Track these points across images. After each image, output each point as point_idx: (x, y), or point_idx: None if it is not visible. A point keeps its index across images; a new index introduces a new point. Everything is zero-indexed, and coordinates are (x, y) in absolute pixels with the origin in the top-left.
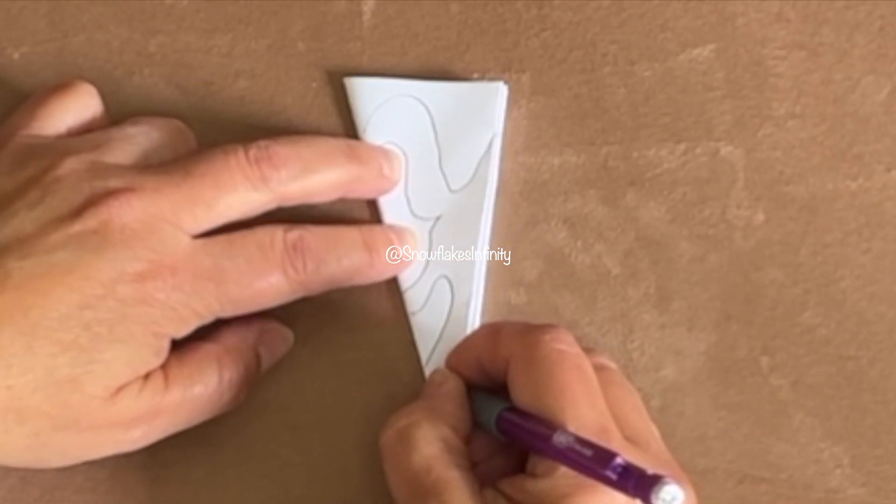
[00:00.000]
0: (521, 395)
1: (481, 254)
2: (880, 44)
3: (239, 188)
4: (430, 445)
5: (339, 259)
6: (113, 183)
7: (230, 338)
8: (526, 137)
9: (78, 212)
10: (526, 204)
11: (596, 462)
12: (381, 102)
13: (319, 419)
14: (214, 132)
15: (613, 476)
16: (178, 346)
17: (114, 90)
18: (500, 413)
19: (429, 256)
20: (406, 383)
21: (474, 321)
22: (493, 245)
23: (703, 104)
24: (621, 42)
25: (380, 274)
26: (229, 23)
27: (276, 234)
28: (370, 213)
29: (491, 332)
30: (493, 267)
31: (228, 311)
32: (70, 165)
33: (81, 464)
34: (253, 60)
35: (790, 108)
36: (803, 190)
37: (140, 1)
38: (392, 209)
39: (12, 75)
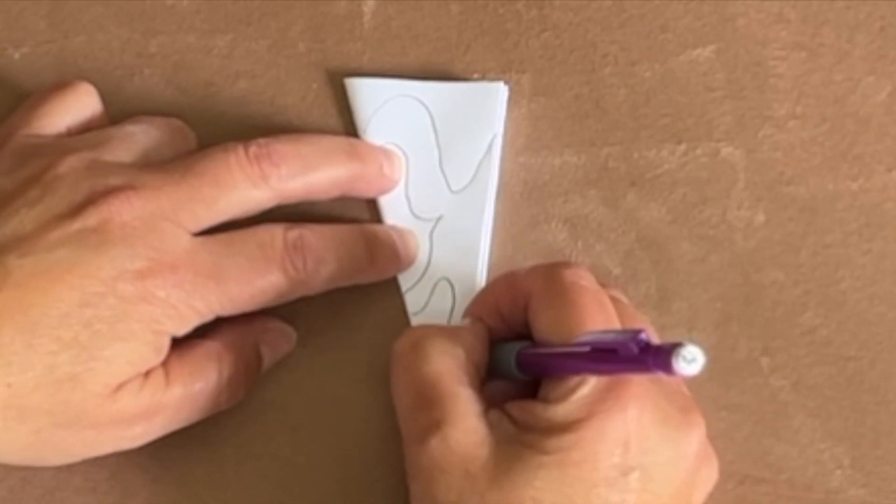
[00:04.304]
0: (542, 327)
1: (482, 255)
2: (881, 44)
3: (239, 186)
4: (443, 359)
5: (340, 258)
6: (113, 181)
7: (230, 335)
8: (526, 138)
9: (78, 210)
10: (526, 205)
11: (618, 341)
12: (382, 103)
13: (319, 419)
14: (215, 133)
15: (636, 349)
16: (179, 344)
17: (114, 91)
18: (521, 349)
19: (429, 257)
20: None
21: None
22: (494, 246)
23: (704, 105)
24: (622, 43)
25: (380, 274)
26: (230, 23)
27: (277, 233)
28: (370, 214)
29: (508, 275)
30: (494, 268)
31: (228, 310)
32: (70, 164)
33: (81, 464)
34: (253, 61)
35: (791, 108)
36: (804, 191)
37: (141, 1)
38: (392, 210)
39: (13, 75)
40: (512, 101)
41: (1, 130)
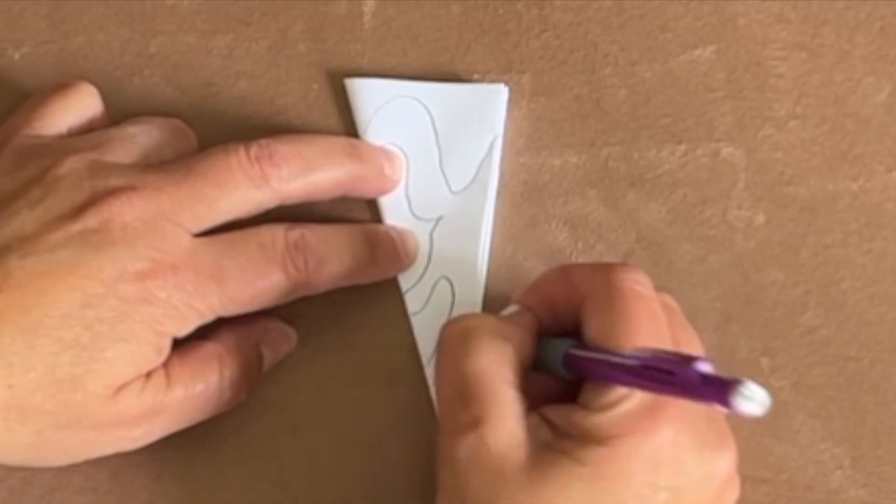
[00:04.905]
0: (594, 330)
1: (482, 255)
2: (881, 45)
3: (240, 186)
4: (490, 354)
5: (341, 258)
6: (114, 182)
7: (232, 336)
8: (527, 138)
9: (79, 211)
10: (527, 205)
11: (677, 364)
12: (382, 103)
13: (319, 419)
14: (215, 133)
15: (694, 377)
16: (180, 345)
17: (114, 91)
18: (569, 348)
19: (429, 257)
20: (407, 384)
21: None
22: (494, 246)
23: (704, 105)
24: (622, 43)
25: (381, 274)
26: (230, 24)
27: (278, 233)
28: (370, 214)
29: (563, 271)
30: (494, 268)
31: (230, 310)
32: (71, 164)
33: (82, 464)
34: (253, 61)
35: (791, 108)
36: (804, 191)
37: (141, 1)
38: (393, 210)
39: (13, 76)
40: (512, 102)
41: (1, 131)
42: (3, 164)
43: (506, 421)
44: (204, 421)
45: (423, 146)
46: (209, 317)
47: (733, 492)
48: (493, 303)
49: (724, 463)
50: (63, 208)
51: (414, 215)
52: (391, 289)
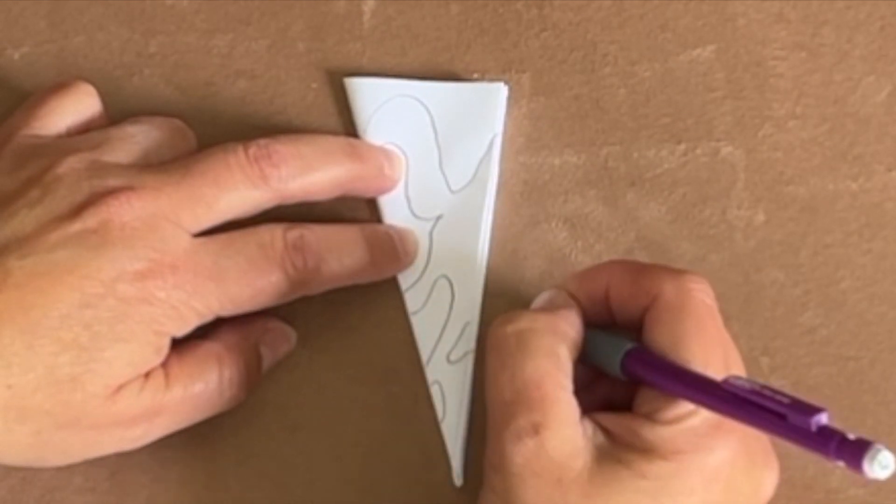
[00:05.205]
0: (662, 338)
1: (482, 254)
2: (881, 44)
3: (239, 186)
4: (548, 359)
5: (340, 258)
6: (113, 182)
7: (231, 336)
8: (526, 138)
9: (78, 211)
10: (526, 204)
11: (793, 410)
12: (382, 103)
13: (319, 419)
14: (214, 133)
15: (813, 429)
16: (179, 345)
17: (114, 91)
18: (633, 350)
19: (429, 256)
20: (406, 383)
21: (474, 321)
22: (494, 245)
23: (704, 105)
24: (622, 42)
25: (380, 273)
26: (229, 23)
27: (277, 233)
28: (370, 214)
29: (630, 267)
30: (494, 267)
31: (229, 310)
32: (70, 164)
33: (81, 464)
34: (253, 61)
35: (791, 108)
36: (804, 190)
37: (140, 1)
38: (392, 209)
39: (13, 75)
40: (512, 101)
41: (1, 131)
42: (2, 165)
43: (566, 427)
44: (204, 421)
45: (422, 145)
46: (208, 317)
47: None
48: (492, 302)
49: (770, 481)
50: (62, 208)
51: (413, 214)
52: (391, 288)
